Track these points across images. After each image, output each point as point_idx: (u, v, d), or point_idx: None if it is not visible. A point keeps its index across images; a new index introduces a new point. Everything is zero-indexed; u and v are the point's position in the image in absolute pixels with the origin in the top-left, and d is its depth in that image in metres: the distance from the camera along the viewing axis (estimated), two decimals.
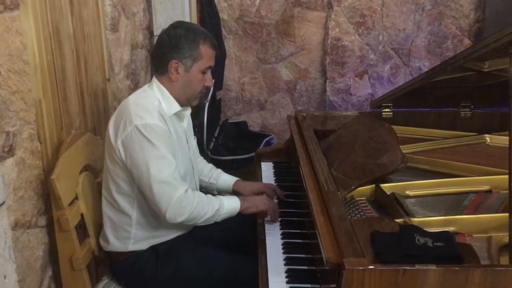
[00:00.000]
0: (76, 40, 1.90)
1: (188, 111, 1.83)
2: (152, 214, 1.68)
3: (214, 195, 1.92)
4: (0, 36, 1.36)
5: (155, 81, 1.72)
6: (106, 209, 1.73)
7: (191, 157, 1.84)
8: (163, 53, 1.69)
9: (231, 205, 1.69)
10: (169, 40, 1.68)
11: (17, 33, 1.46)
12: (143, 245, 1.72)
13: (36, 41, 1.57)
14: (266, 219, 1.74)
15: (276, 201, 1.87)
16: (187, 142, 1.82)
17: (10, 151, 1.42)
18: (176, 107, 1.72)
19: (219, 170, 2.04)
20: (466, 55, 1.64)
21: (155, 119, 1.61)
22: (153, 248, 1.72)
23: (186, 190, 1.61)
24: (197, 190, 1.86)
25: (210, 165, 2.06)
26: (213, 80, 1.81)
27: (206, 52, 1.69)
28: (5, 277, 1.02)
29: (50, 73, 1.67)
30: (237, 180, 2.00)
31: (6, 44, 1.40)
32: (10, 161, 1.42)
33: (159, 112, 1.64)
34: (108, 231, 1.72)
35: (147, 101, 1.66)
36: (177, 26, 1.71)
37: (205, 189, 2.01)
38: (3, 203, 1.01)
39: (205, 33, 1.72)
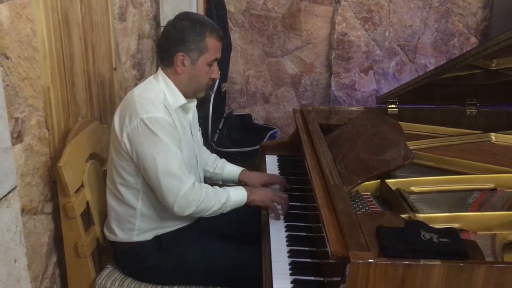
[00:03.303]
0: (84, 28, 1.90)
1: (194, 103, 1.83)
2: (157, 206, 1.68)
3: (219, 185, 1.92)
4: (11, 23, 1.36)
5: (160, 73, 1.71)
6: (111, 200, 1.73)
7: (196, 149, 1.84)
8: (168, 46, 1.68)
9: (237, 197, 1.69)
10: (175, 32, 1.66)
11: (27, 19, 1.46)
12: (147, 236, 1.73)
13: (46, 28, 1.57)
14: (270, 215, 1.73)
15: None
16: (192, 134, 1.82)
17: (19, 137, 1.43)
18: (182, 99, 1.71)
19: (223, 160, 2.04)
20: (476, 53, 1.64)
21: (161, 112, 1.60)
22: (157, 238, 1.73)
23: (193, 183, 1.62)
24: (201, 182, 1.87)
25: (214, 155, 2.05)
26: (219, 72, 1.80)
27: (212, 45, 1.68)
28: (15, 260, 1.03)
29: (58, 60, 1.67)
30: (243, 170, 2.00)
31: (17, 30, 1.40)
32: (18, 147, 1.43)
33: (164, 104, 1.64)
34: (113, 222, 1.73)
35: (152, 94, 1.65)
36: (183, 17, 1.69)
37: (210, 180, 2.01)
38: (15, 187, 1.02)
39: (211, 25, 1.70)
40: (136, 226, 1.71)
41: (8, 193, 1.00)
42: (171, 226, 1.74)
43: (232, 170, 2.00)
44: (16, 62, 1.40)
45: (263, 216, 1.76)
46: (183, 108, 1.75)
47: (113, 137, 1.67)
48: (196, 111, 1.90)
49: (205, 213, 1.65)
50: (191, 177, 1.64)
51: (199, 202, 1.61)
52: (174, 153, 1.60)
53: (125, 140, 1.61)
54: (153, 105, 1.61)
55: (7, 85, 1.36)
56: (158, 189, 1.60)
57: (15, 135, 1.40)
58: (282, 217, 1.72)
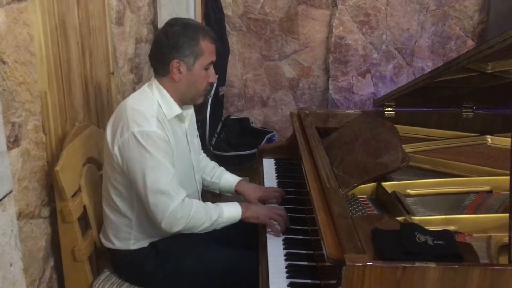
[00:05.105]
0: (81, 33, 1.90)
1: (190, 110, 1.81)
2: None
3: (216, 194, 1.90)
4: (7, 27, 1.37)
5: (154, 82, 1.68)
6: (107, 210, 1.72)
7: (192, 157, 1.82)
8: (162, 54, 1.64)
9: (231, 214, 1.66)
10: (167, 39, 1.62)
11: (24, 24, 1.46)
12: (144, 244, 1.72)
13: (43, 33, 1.58)
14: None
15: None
16: (188, 142, 1.79)
17: (16, 142, 1.43)
18: (176, 110, 1.68)
19: (222, 168, 2.01)
20: (470, 56, 1.65)
21: (153, 126, 1.57)
22: (153, 244, 1.73)
23: (183, 200, 1.59)
24: (198, 190, 1.86)
25: (213, 163, 2.03)
26: (217, 76, 1.79)
27: (207, 47, 1.65)
28: (11, 265, 1.04)
29: (55, 65, 1.68)
30: (240, 180, 1.96)
31: (14, 35, 1.41)
32: (15, 152, 1.43)
33: (157, 117, 1.60)
34: (109, 231, 1.72)
35: (145, 105, 1.62)
36: (174, 23, 1.66)
37: (207, 188, 1.99)
38: (11, 191, 1.03)
39: (203, 28, 1.68)
40: (132, 235, 1.70)
41: (4, 197, 1.01)
42: (168, 234, 1.72)
43: (230, 179, 1.96)
44: (13, 66, 1.41)
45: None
46: (179, 117, 1.72)
47: (106, 148, 1.65)
48: (194, 117, 1.88)
49: (195, 230, 1.62)
50: (182, 193, 1.60)
51: (188, 220, 1.58)
52: (165, 168, 1.57)
53: (116, 152, 1.60)
54: (144, 119, 1.58)
55: (4, 89, 1.36)
56: (146, 205, 1.58)
57: (12, 140, 1.41)
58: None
